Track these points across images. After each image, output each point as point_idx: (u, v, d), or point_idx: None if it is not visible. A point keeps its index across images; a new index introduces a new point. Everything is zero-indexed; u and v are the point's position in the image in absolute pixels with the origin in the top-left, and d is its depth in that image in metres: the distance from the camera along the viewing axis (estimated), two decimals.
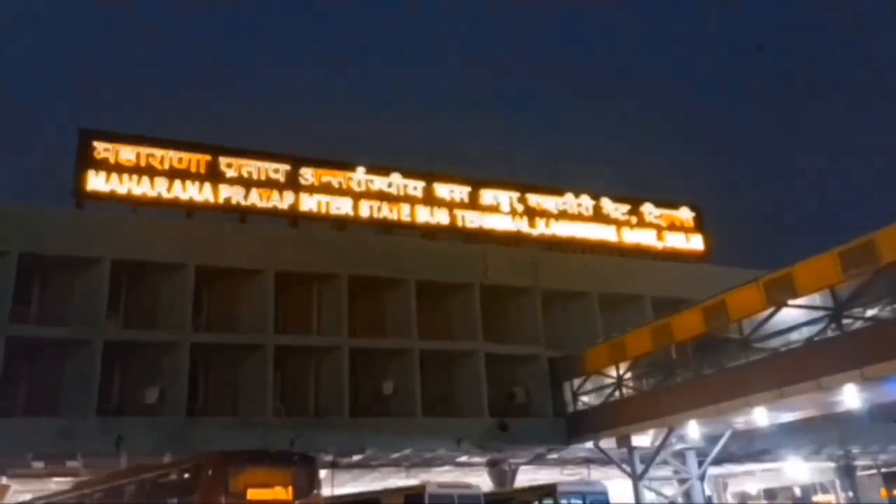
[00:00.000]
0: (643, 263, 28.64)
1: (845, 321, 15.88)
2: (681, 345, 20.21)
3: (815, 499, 37.95)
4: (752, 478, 37.33)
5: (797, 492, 38.14)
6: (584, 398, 24.42)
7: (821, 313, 16.43)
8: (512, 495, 20.36)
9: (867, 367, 14.74)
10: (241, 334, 22.13)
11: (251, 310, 22.56)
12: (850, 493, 30.59)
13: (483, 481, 25.61)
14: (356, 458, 23.43)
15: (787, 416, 19.96)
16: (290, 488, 12.07)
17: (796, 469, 32.78)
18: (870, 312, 15.92)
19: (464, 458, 25.25)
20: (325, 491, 23.63)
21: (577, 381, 24.71)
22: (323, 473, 25.41)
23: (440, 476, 26.01)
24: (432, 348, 24.25)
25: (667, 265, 28.95)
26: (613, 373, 22.97)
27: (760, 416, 19.07)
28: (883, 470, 34.26)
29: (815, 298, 16.60)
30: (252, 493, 11.60)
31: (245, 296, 22.82)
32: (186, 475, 11.86)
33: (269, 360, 21.67)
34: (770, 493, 41.86)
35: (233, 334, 22.08)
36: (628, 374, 22.65)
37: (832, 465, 31.00)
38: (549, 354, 25.44)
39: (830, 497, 36.66)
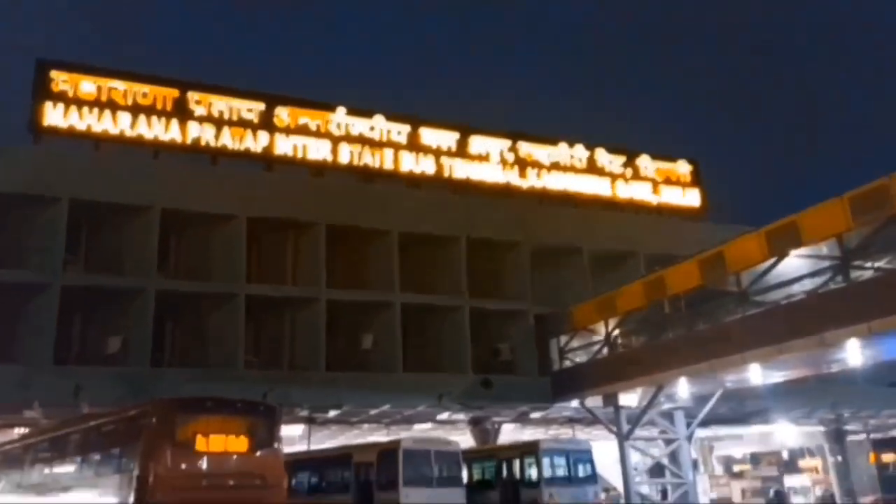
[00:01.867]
0: (637, 219, 27.53)
1: (853, 272, 14.84)
2: (674, 299, 19.18)
3: (801, 463, 37.60)
4: (739, 442, 36.92)
5: (785, 455, 37.75)
6: (571, 357, 23.51)
7: (826, 264, 15.39)
8: (493, 452, 19.48)
9: (875, 320, 13.70)
10: (211, 283, 20.90)
11: (222, 257, 21.33)
12: (839, 458, 30.08)
13: (466, 440, 24.83)
14: (333, 413, 22.55)
15: (781, 375, 19.09)
16: (246, 439, 10.99)
17: (785, 433, 32.31)
18: (879, 263, 14.89)
19: (445, 416, 24.42)
20: (301, 447, 22.83)
21: (563, 339, 23.78)
22: (299, 429, 24.76)
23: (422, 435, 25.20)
24: (415, 302, 23.24)
25: (661, 221, 27.86)
26: (602, 330, 22.01)
27: (754, 374, 18.19)
28: (872, 435, 33.83)
29: (822, 248, 15.54)
30: (202, 443, 10.51)
31: (215, 243, 21.56)
32: (131, 423, 10.75)
33: (240, 311, 20.56)
34: (755, 458, 41.62)
35: (202, 282, 20.85)
36: (618, 331, 21.72)
37: (822, 429, 30.43)
38: (537, 311, 24.50)
39: (817, 461, 36.33)
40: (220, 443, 10.75)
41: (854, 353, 15.74)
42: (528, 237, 25.15)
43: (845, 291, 14.62)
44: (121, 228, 20.68)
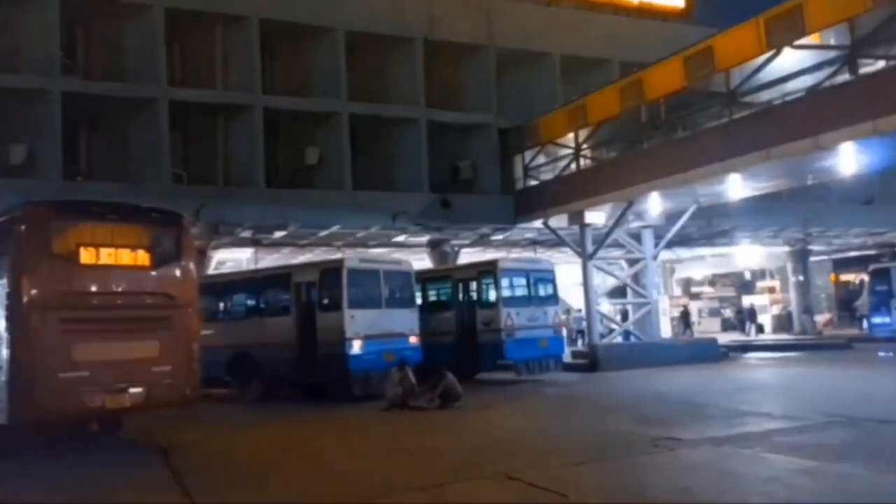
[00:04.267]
0: (614, 21, 24.63)
1: (862, 66, 12.86)
2: (653, 105, 17.19)
3: (759, 284, 38.06)
4: (700, 263, 36.89)
5: (747, 276, 38.05)
6: (537, 174, 21.84)
7: (832, 55, 13.35)
8: (449, 273, 18.19)
9: (883, 118, 11.94)
10: (127, 85, 18.18)
11: (139, 56, 18.48)
12: (801, 277, 30.03)
13: (425, 265, 23.69)
14: (279, 235, 20.87)
15: (760, 188, 17.61)
16: (145, 251, 9.17)
17: (746, 254, 32.10)
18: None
19: (402, 238, 23.08)
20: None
21: (529, 155, 21.98)
22: (247, 253, 23.30)
23: None
24: (365, 113, 20.95)
25: (641, 24, 25.02)
26: (572, 143, 20.15)
27: (733, 187, 16.77)
28: (833, 256, 33.94)
29: (828, 39, 13.43)
30: (88, 255, 8.68)
31: (130, 38, 18.57)
32: (1, 232, 8.81)
33: (163, 118, 18.08)
34: (714, 280, 42.20)
35: (116, 84, 18.10)
36: (588, 144, 19.89)
37: (787, 249, 30.07)
38: (501, 125, 22.43)
39: (774, 282, 36.76)
40: (112, 255, 8.93)
41: (847, 160, 14.24)
42: (493, 40, 22.44)
43: (851, 86, 12.73)
44: (13, 16, 17.47)
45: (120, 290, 8.99)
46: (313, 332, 13.69)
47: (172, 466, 7.93)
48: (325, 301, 13.77)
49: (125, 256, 9.08)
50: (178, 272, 9.50)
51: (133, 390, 8.78)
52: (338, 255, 22.98)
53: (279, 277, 14.96)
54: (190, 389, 9.34)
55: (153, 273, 9.29)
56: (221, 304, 15.61)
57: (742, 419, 9.21)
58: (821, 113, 12.94)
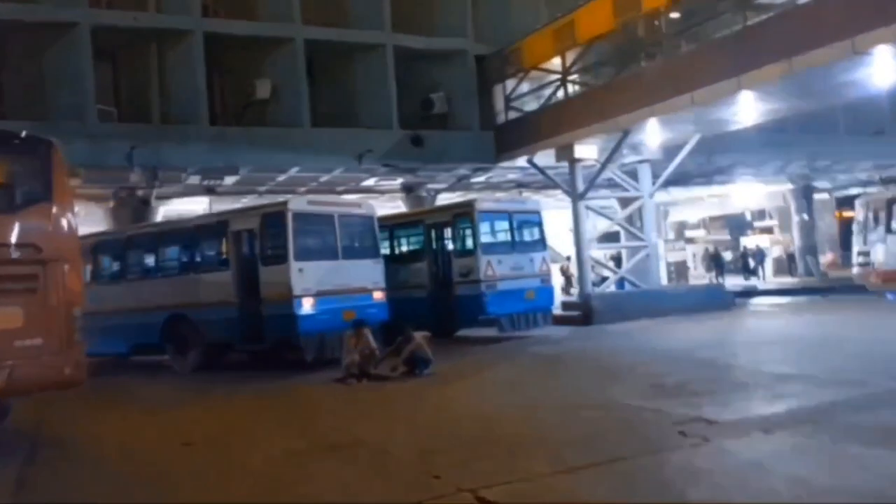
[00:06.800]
0: None
1: None
2: (652, 17, 14.76)
3: (757, 224, 36.19)
4: (696, 206, 34.85)
5: (748, 216, 36.04)
6: (520, 106, 19.46)
7: None
8: (420, 217, 15.94)
9: None
10: (38, 5, 15.51)
11: None
12: (805, 216, 28.03)
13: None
14: (230, 180, 18.60)
15: (775, 110, 15.32)
16: None
17: (746, 194, 30.11)
18: None
19: (372, 182, 20.80)
20: None
21: (510, 84, 19.58)
22: (204, 203, 20.94)
23: None
24: (324, 38, 18.45)
25: None
26: (559, 68, 17.74)
27: (744, 109, 14.52)
28: (836, 194, 32.03)
29: None
30: None
31: None
32: None
33: (84, 46, 15.50)
34: (706, 224, 40.36)
35: (27, 5, 15.40)
36: (577, 67, 17.50)
37: (790, 187, 28.00)
38: (479, 51, 19.98)
39: (773, 222, 34.92)
40: None
41: (883, 69, 12.01)
42: None
43: None
44: None
45: None
46: (257, 289, 11.54)
47: (23, 474, 5.85)
48: (269, 252, 11.60)
49: None
50: (46, 217, 7.21)
51: None
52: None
53: (215, 226, 12.68)
54: (71, 368, 7.13)
55: (9, 218, 7.02)
56: (152, 259, 13.39)
57: (784, 387, 7.16)
58: (858, 9, 10.65)
